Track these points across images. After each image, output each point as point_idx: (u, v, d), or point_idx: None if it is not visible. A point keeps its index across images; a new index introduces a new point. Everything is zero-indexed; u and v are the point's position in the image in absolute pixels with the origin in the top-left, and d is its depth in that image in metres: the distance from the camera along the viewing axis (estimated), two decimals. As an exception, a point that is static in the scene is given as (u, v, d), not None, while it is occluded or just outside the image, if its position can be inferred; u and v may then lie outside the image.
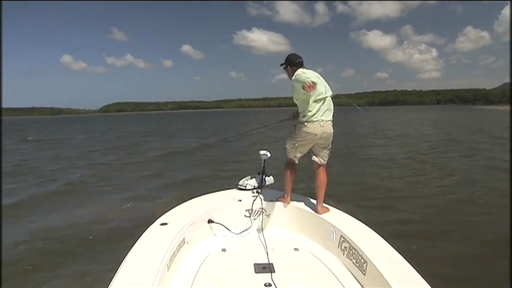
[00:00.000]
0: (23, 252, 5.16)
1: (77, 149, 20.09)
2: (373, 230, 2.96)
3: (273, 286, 2.53)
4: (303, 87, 3.07)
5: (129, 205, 7.44)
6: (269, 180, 3.91)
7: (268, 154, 3.78)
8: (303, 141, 3.36)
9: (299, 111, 3.38)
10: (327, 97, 3.34)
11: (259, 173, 3.91)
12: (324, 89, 3.33)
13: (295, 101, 3.41)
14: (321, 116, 3.28)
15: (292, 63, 3.44)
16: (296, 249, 3.19)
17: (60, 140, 27.86)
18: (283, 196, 3.60)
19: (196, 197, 3.83)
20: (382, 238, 2.82)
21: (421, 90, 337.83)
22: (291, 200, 3.72)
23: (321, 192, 3.45)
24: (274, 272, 2.70)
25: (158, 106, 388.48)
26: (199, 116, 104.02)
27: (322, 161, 3.48)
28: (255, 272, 2.71)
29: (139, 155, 16.45)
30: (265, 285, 2.54)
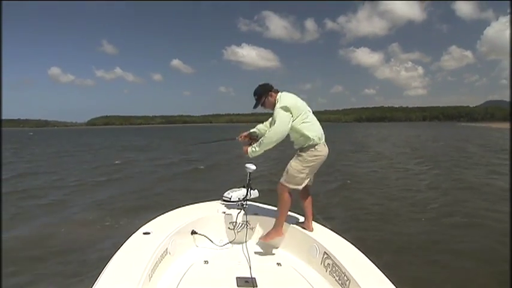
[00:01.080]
0: None
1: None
2: (357, 248, 2.94)
3: None
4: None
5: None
6: (254, 193, 3.81)
7: (254, 167, 3.62)
8: (314, 165, 3.17)
9: (296, 137, 3.17)
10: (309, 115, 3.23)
11: (244, 186, 3.81)
12: (306, 107, 3.25)
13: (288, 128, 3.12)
14: (322, 136, 3.20)
15: (268, 88, 3.26)
16: (279, 264, 3.18)
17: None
18: (274, 229, 3.28)
19: (180, 207, 3.79)
20: (366, 256, 2.81)
21: (407, 106, 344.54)
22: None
23: (310, 210, 3.37)
24: (256, 286, 2.69)
25: (146, 120, 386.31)
26: (186, 130, 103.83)
27: (312, 181, 3.36)
28: (237, 286, 2.70)
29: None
30: None
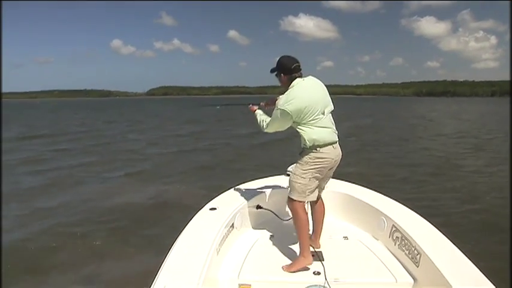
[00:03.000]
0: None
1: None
2: (428, 221, 2.83)
3: (322, 274, 2.51)
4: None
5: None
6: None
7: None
8: (317, 169, 2.70)
9: (299, 137, 2.75)
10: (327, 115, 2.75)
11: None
12: (323, 106, 2.71)
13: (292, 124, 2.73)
14: (332, 139, 2.73)
15: (286, 69, 2.72)
16: (345, 237, 3.17)
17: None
18: (301, 256, 2.68)
19: (245, 182, 3.84)
20: (437, 229, 2.70)
21: (474, 81, 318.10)
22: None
23: (320, 224, 3.03)
24: (323, 260, 2.69)
25: (203, 91, 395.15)
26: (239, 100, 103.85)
27: (322, 191, 3.00)
28: None
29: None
30: (314, 273, 2.54)
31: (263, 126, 2.88)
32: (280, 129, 2.80)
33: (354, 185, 3.85)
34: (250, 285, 2.43)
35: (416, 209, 3.09)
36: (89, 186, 8.29)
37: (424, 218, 2.89)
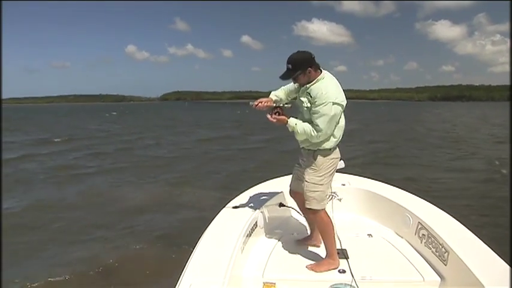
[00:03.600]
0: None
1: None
2: (455, 218, 2.78)
3: (347, 272, 2.46)
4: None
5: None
6: (340, 164, 3.57)
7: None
8: (332, 171, 2.59)
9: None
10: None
11: None
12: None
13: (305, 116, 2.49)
14: (342, 132, 2.57)
15: (312, 60, 2.42)
16: (370, 235, 3.12)
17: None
18: (328, 259, 2.61)
19: (267, 180, 3.81)
20: (465, 227, 2.63)
21: (490, 85, 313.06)
22: (355, 187, 3.53)
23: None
24: (348, 258, 2.63)
25: (216, 95, 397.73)
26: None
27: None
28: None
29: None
30: (339, 271, 2.50)
31: (312, 132, 2.39)
32: (332, 131, 2.43)
33: (376, 181, 3.79)
34: (274, 283, 2.40)
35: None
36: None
37: (451, 215, 2.82)
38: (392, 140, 16.54)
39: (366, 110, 54.14)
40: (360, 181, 3.82)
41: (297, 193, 2.77)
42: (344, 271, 2.49)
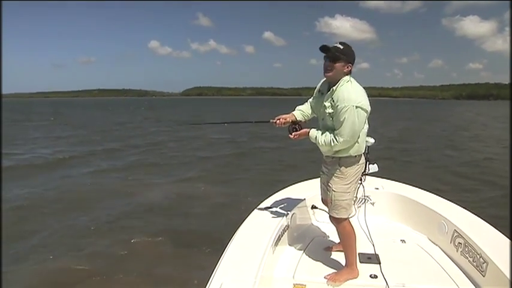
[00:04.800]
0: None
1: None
2: (494, 227, 2.67)
3: (379, 278, 2.43)
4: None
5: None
6: (373, 167, 3.51)
7: (372, 140, 3.26)
8: (357, 178, 2.53)
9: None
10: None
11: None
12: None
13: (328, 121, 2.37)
14: (365, 141, 2.51)
15: (353, 60, 2.34)
16: (403, 241, 3.08)
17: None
18: (347, 268, 2.57)
19: (299, 182, 3.80)
20: (505, 236, 2.52)
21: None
22: (389, 191, 3.51)
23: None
24: (380, 263, 2.61)
25: (237, 91, 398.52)
26: (274, 102, 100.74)
27: None
28: (360, 262, 2.64)
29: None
30: (370, 276, 2.47)
31: (333, 142, 2.31)
32: (356, 137, 2.32)
33: (410, 186, 3.76)
34: (305, 285, 2.41)
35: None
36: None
37: (490, 223, 2.72)
38: (400, 138, 16.86)
39: (386, 108, 53.13)
40: (393, 185, 3.75)
41: (326, 201, 2.65)
42: (376, 276, 2.46)
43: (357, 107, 2.20)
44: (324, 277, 2.51)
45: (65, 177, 8.90)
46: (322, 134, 2.40)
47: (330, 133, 2.34)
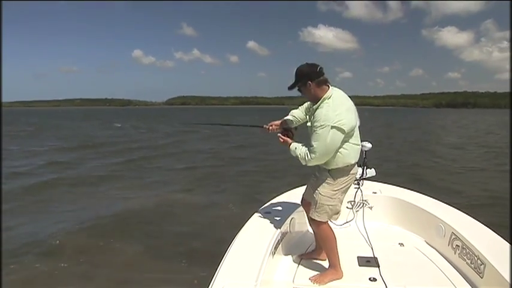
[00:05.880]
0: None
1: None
2: (491, 229, 2.69)
3: (379, 281, 2.45)
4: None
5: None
6: (370, 172, 3.59)
7: (370, 145, 3.30)
8: (346, 186, 2.54)
9: (331, 158, 2.43)
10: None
11: (360, 165, 3.43)
12: (356, 120, 2.46)
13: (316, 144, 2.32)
14: (358, 148, 2.51)
15: (313, 74, 2.35)
16: (401, 244, 3.10)
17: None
18: (331, 269, 2.58)
19: (298, 187, 3.76)
20: (502, 238, 2.54)
21: (495, 92, 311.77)
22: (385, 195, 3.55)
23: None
24: (379, 266, 2.64)
25: (221, 101, 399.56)
26: (258, 111, 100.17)
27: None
28: (359, 265, 2.69)
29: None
30: (369, 279, 2.48)
31: (306, 156, 2.36)
32: (329, 155, 2.33)
33: (407, 190, 3.77)
34: None
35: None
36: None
37: (487, 226, 2.74)
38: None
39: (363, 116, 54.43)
40: (391, 189, 3.77)
41: (308, 203, 2.66)
42: (375, 279, 2.48)
43: (332, 126, 2.22)
44: (309, 279, 2.52)
45: None
46: (300, 147, 2.43)
47: (306, 148, 2.37)
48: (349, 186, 2.55)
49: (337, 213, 2.55)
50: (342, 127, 2.24)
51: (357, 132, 2.43)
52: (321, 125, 2.24)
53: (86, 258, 4.69)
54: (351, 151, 2.40)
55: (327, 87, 2.37)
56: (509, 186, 7.36)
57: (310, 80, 2.33)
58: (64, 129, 30.53)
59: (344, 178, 2.46)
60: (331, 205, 2.48)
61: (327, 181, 2.47)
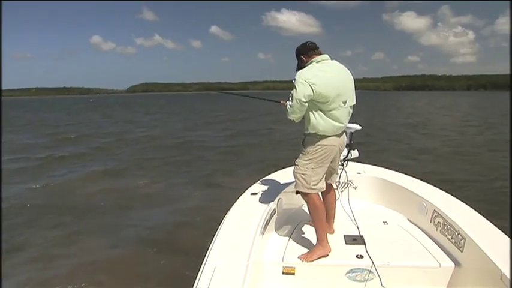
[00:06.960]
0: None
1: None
2: (470, 206, 2.84)
3: (365, 258, 2.54)
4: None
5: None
6: (354, 153, 3.61)
7: (358, 127, 3.33)
8: (320, 158, 2.56)
9: (306, 121, 2.58)
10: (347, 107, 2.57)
11: (345, 146, 3.37)
12: (346, 96, 2.52)
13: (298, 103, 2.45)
14: (339, 130, 2.57)
15: (304, 49, 2.58)
16: (385, 222, 3.19)
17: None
18: (319, 245, 2.63)
19: (284, 168, 3.85)
20: (480, 214, 2.68)
21: (451, 75, 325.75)
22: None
23: (332, 211, 3.01)
24: (365, 244, 2.73)
25: (184, 87, 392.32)
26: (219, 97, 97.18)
27: (333, 179, 2.91)
28: (346, 243, 2.78)
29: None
30: (356, 256, 2.58)
31: (287, 110, 2.52)
32: (299, 110, 2.45)
33: (391, 170, 3.91)
34: (294, 267, 2.49)
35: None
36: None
37: (465, 202, 2.90)
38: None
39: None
40: (374, 170, 3.92)
41: None
42: (362, 256, 2.57)
43: (303, 81, 2.36)
44: (298, 257, 2.59)
45: None
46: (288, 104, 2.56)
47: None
48: (326, 160, 2.58)
49: (316, 184, 2.58)
50: (311, 86, 2.34)
51: (337, 108, 2.47)
52: (295, 80, 2.41)
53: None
54: (322, 121, 2.47)
55: (314, 54, 2.56)
56: (509, 184, 7.35)
57: (302, 55, 2.58)
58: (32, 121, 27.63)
59: (313, 149, 2.53)
60: (302, 174, 2.57)
61: (301, 151, 2.61)
